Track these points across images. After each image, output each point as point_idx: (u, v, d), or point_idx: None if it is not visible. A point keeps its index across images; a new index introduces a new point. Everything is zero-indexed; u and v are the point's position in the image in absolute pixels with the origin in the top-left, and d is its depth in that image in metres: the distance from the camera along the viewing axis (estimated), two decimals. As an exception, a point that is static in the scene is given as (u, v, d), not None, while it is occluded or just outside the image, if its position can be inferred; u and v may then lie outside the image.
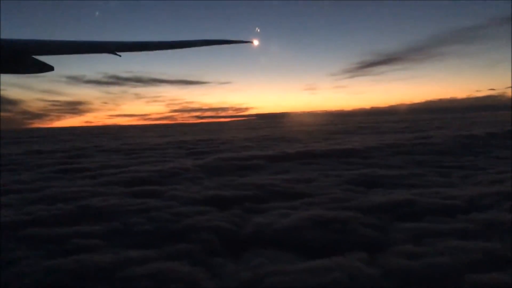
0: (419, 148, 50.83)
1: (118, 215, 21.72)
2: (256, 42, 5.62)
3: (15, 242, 17.65)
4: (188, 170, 38.12)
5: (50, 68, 4.50)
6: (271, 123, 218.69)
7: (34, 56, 4.20)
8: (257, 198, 25.63)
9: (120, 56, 4.62)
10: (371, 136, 78.95)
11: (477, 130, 78.39)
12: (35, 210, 22.78)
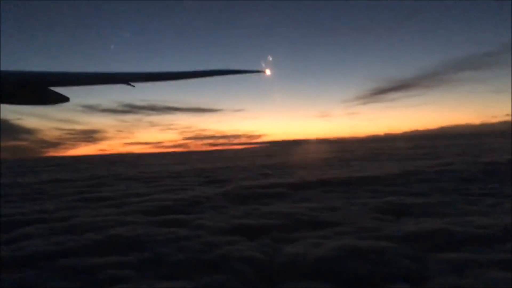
0: (443, 176, 50.03)
1: (147, 245, 21.60)
2: (268, 72, 5.59)
3: (50, 272, 17.60)
4: (211, 199, 38.00)
5: (66, 99, 4.55)
6: (286, 150, 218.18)
7: (50, 88, 4.26)
8: (284, 227, 25.33)
9: (134, 86, 4.67)
10: (390, 163, 78.14)
11: (498, 156, 77.14)
12: (65, 240, 22.81)
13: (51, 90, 4.28)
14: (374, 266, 17.12)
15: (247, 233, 23.57)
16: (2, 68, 4.22)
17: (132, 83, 4.60)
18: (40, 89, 4.19)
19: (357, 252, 18.56)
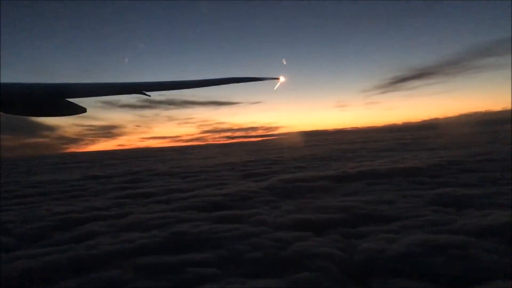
0: (485, 165, 49.01)
1: (218, 242, 21.63)
2: (282, 79, 5.76)
3: (133, 271, 17.74)
4: (258, 193, 37.93)
5: (83, 110, 4.65)
6: (307, 142, 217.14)
7: (68, 99, 4.35)
8: (346, 221, 25.13)
9: (149, 96, 4.75)
10: (423, 153, 76.98)
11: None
12: (133, 238, 22.97)
13: (69, 102, 4.37)
14: (462, 262, 16.80)
15: (312, 228, 23.42)
16: (18, 81, 4.35)
17: (147, 93, 4.69)
18: (57, 100, 4.30)
19: (438, 248, 18.23)
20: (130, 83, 4.96)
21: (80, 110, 4.64)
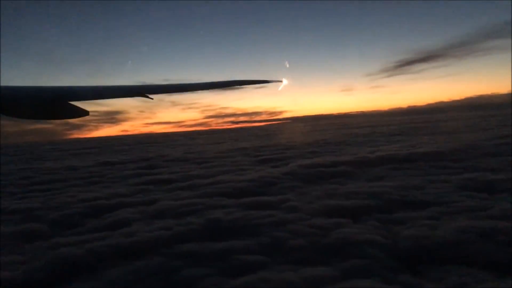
0: (505, 149, 48.56)
1: (257, 229, 21.51)
2: (285, 81, 5.94)
3: (177, 259, 17.65)
4: (281, 179, 37.73)
5: (85, 113, 4.68)
6: (313, 127, 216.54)
7: (70, 102, 4.42)
8: (380, 207, 24.92)
9: (152, 99, 4.88)
10: (437, 137, 76.48)
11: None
12: (169, 225, 22.88)
13: (71, 105, 4.41)
14: (514, 248, 16.59)
15: (347, 215, 23.24)
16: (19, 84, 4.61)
17: (150, 96, 4.82)
18: (60, 103, 4.33)
19: (485, 234, 18.02)
20: (133, 86, 5.03)
21: (83, 113, 4.64)
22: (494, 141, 57.38)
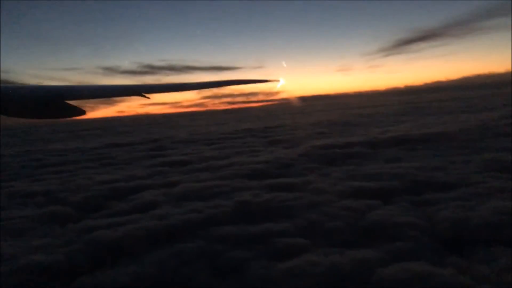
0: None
1: (288, 211, 21.49)
2: (282, 81, 6.17)
3: (215, 242, 17.59)
4: (297, 160, 37.70)
5: (82, 113, 4.69)
6: (314, 107, 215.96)
7: (67, 101, 4.39)
8: (407, 189, 24.85)
9: (149, 98, 4.90)
10: (444, 117, 76.39)
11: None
12: (198, 207, 22.81)
13: (68, 104, 4.39)
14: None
15: (376, 196, 23.20)
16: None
17: (147, 95, 4.83)
18: (56, 102, 4.31)
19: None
20: (130, 85, 5.07)
21: (80, 112, 4.65)
22: (503, 121, 57.28)
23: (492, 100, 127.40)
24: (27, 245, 18.53)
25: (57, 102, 4.32)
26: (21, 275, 15.24)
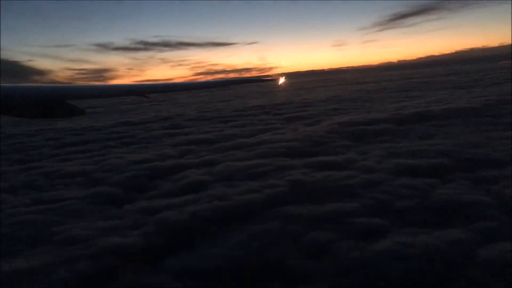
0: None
1: (349, 190, 21.34)
2: (282, 79, 6.21)
3: (290, 223, 17.38)
4: (327, 138, 37.42)
5: (82, 112, 4.71)
6: (313, 83, 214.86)
7: (67, 101, 4.39)
8: (458, 166, 24.70)
9: (149, 98, 5.01)
10: (456, 91, 76.43)
11: None
12: (254, 187, 22.55)
13: (68, 104, 4.39)
14: None
15: (430, 174, 23.08)
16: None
17: (147, 95, 4.84)
18: (57, 102, 4.29)
19: None
20: (130, 85, 5.00)
21: (80, 112, 4.65)
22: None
23: (495, 75, 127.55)
24: (95, 226, 18.24)
25: (57, 102, 4.31)
26: (106, 258, 15.00)
